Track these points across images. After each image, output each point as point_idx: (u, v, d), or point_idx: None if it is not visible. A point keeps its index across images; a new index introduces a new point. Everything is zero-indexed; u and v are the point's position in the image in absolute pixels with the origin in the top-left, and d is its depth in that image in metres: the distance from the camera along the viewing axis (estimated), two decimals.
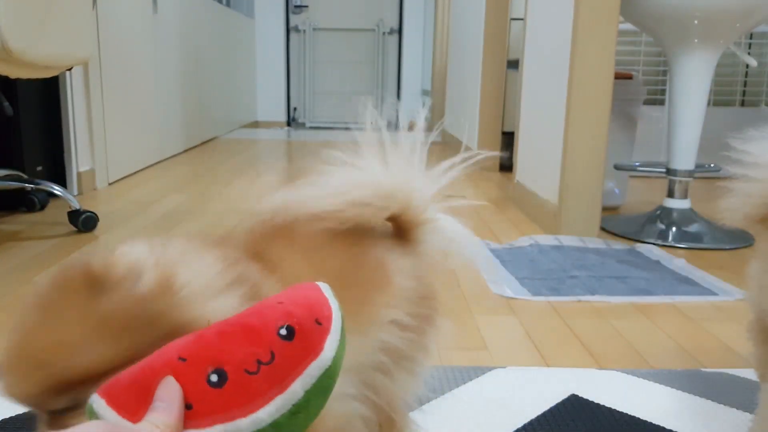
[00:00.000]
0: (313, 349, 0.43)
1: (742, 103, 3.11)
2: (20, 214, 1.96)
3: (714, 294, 1.33)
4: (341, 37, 5.74)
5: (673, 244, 1.73)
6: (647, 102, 2.98)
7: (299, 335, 0.43)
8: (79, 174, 2.27)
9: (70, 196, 1.77)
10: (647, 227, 1.83)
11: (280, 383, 0.41)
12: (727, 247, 1.72)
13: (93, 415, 0.40)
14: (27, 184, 1.82)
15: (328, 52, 5.76)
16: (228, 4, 4.62)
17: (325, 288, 0.47)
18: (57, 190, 1.80)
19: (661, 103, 3.00)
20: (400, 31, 5.71)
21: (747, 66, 3.07)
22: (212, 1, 4.10)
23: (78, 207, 1.75)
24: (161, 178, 2.67)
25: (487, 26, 3.06)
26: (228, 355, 0.41)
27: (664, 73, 3.02)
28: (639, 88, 2.18)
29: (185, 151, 3.59)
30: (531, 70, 2.20)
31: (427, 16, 5.52)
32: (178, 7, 3.38)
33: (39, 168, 2.13)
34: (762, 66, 3.07)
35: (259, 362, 0.41)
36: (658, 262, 1.55)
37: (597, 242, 1.72)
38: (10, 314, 1.15)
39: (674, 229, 1.80)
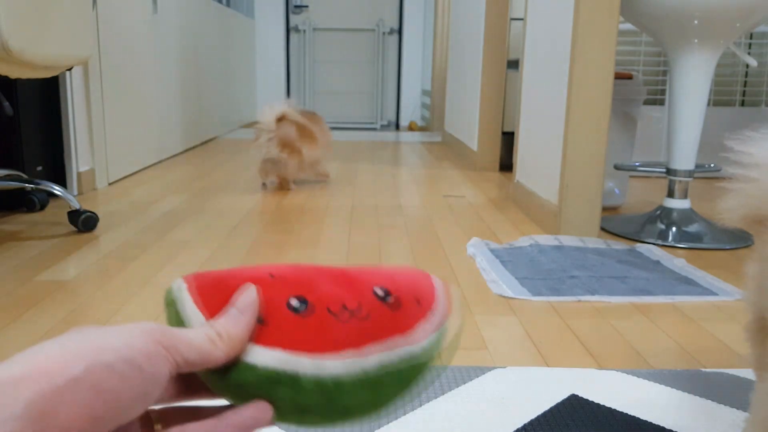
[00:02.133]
0: (404, 326, 0.38)
1: (742, 103, 3.11)
2: (20, 214, 1.96)
3: (714, 294, 1.33)
4: (341, 37, 5.74)
5: (673, 244, 1.73)
6: (647, 102, 2.99)
7: (395, 302, 0.39)
8: (79, 174, 2.27)
9: (70, 196, 1.77)
10: (647, 227, 1.83)
11: (358, 342, 0.37)
12: (727, 247, 1.72)
13: (170, 295, 0.38)
14: (27, 184, 1.82)
15: (328, 52, 5.76)
16: (228, 4, 4.62)
17: (438, 283, 0.43)
18: (57, 190, 1.80)
19: (661, 103, 3.00)
20: (400, 31, 5.71)
21: (747, 66, 3.07)
22: (212, 1, 4.10)
23: (78, 207, 1.76)
24: (161, 178, 2.67)
25: (487, 26, 3.06)
26: (316, 288, 0.38)
27: (664, 73, 3.02)
28: (639, 88, 2.18)
29: (185, 151, 3.59)
30: (531, 70, 2.20)
31: (427, 16, 5.52)
32: (178, 7, 3.39)
33: (39, 168, 2.13)
34: (762, 66, 3.07)
35: (345, 307, 0.37)
36: (658, 262, 1.55)
37: (597, 242, 1.72)
38: (10, 314, 1.15)
39: (674, 229, 1.80)
